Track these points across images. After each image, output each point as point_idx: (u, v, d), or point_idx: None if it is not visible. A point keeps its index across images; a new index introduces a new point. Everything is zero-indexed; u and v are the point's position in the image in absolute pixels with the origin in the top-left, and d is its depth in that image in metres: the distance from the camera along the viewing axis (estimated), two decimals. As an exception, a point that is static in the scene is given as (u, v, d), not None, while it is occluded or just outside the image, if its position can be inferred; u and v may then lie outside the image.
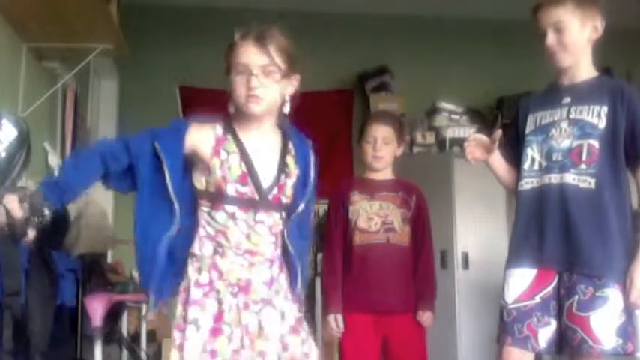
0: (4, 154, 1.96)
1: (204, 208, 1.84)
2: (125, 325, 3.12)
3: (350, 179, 2.97)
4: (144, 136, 1.82)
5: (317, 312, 4.35)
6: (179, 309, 1.80)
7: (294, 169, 1.90)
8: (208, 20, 4.91)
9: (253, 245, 1.83)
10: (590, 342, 1.93)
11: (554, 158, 2.07)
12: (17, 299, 1.87)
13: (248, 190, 1.81)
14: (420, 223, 2.79)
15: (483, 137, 2.23)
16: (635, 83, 2.45)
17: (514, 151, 2.23)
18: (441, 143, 4.70)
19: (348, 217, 2.74)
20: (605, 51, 2.18)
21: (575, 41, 2.07)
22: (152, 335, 3.61)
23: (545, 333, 2.02)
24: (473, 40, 5.22)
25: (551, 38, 2.08)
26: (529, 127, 2.16)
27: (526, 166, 2.13)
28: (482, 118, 4.91)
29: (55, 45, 3.24)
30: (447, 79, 5.00)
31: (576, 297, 1.96)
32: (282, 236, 1.91)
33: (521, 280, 2.06)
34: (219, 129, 1.85)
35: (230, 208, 1.81)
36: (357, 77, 5.09)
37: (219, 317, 1.76)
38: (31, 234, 1.69)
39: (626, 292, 1.95)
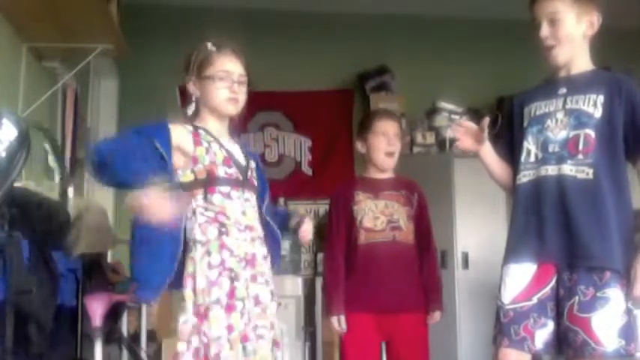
0: (4, 154, 1.96)
1: (198, 197, 1.97)
2: (125, 325, 3.11)
3: (351, 179, 2.97)
4: (144, 133, 1.94)
5: (317, 312, 4.35)
6: (189, 295, 1.90)
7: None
8: (208, 20, 4.91)
9: (249, 221, 2.02)
10: (592, 344, 1.91)
11: (550, 149, 2.06)
12: (26, 297, 1.87)
13: (233, 172, 2.03)
14: (423, 221, 2.79)
15: (472, 124, 2.22)
16: (635, 83, 2.44)
17: (508, 146, 2.22)
18: (441, 143, 4.70)
19: (352, 216, 2.73)
20: (604, 51, 2.18)
21: (570, 34, 2.06)
22: (152, 335, 3.61)
23: (542, 334, 2.00)
24: (473, 40, 5.22)
25: (545, 29, 2.07)
26: (526, 120, 2.16)
27: (522, 158, 2.11)
28: (482, 118, 4.90)
29: (55, 45, 3.24)
30: (447, 79, 5.00)
31: (577, 298, 1.94)
32: (262, 215, 2.12)
33: (519, 279, 2.04)
34: (188, 127, 2.06)
35: (224, 189, 2.00)
36: (357, 77, 5.09)
37: (231, 294, 1.90)
38: None
39: (629, 287, 1.93)
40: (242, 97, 2.09)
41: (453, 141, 4.56)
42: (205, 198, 1.97)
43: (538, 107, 2.13)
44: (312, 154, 5.02)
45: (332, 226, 2.79)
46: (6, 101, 2.89)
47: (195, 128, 2.06)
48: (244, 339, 1.91)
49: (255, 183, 2.13)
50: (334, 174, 4.93)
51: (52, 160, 3.33)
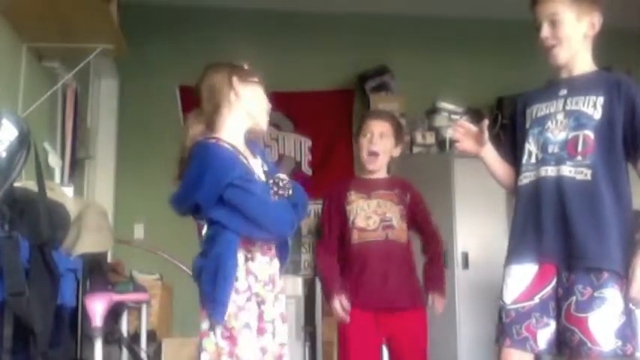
0: (4, 154, 1.96)
1: None
2: (125, 325, 3.11)
3: (346, 179, 2.98)
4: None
5: (317, 312, 4.36)
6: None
7: None
8: (208, 20, 4.91)
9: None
10: (589, 344, 1.91)
11: (550, 150, 2.06)
12: (21, 299, 1.87)
13: None
14: (419, 213, 2.80)
15: (471, 126, 2.22)
16: (635, 84, 2.44)
17: (510, 148, 2.22)
18: (441, 143, 4.70)
19: (345, 216, 2.74)
20: (605, 51, 2.18)
21: (570, 35, 2.07)
22: (152, 335, 3.61)
23: (545, 334, 2.01)
24: (473, 40, 5.22)
25: (545, 30, 2.08)
26: (528, 122, 2.16)
27: (524, 160, 2.12)
28: (482, 118, 4.90)
29: (55, 45, 3.23)
30: (447, 79, 5.00)
31: (574, 298, 1.95)
32: None
33: (521, 279, 2.05)
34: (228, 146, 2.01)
35: None
36: (357, 77, 5.09)
37: (261, 317, 1.93)
38: None
39: (626, 287, 1.94)
40: None
41: (452, 141, 4.56)
42: None
43: (539, 109, 2.13)
44: (312, 154, 5.02)
45: (324, 225, 2.83)
46: (6, 101, 2.89)
47: (231, 147, 2.01)
48: (279, 358, 1.97)
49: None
50: (334, 174, 4.93)
51: (52, 160, 3.34)
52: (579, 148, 2.02)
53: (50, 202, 2.26)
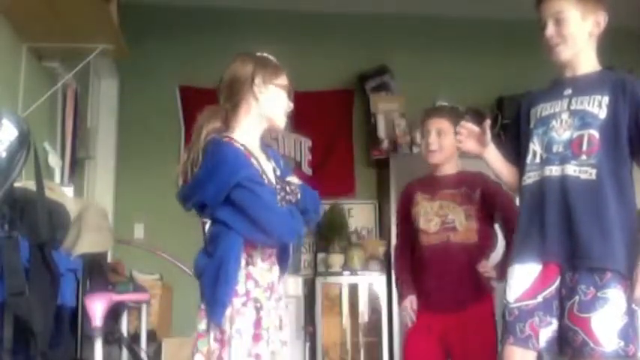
0: (4, 154, 1.96)
1: None
2: (125, 325, 3.11)
3: (416, 179, 2.94)
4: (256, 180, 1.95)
5: (317, 312, 4.36)
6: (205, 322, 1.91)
7: None
8: (208, 20, 4.91)
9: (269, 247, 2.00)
10: (592, 344, 1.91)
11: (554, 150, 2.06)
12: (21, 299, 1.87)
13: None
14: (497, 206, 2.71)
15: (474, 126, 2.22)
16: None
17: (514, 148, 2.22)
18: (441, 143, 4.69)
19: (413, 218, 2.78)
20: (607, 51, 2.18)
21: (575, 33, 2.07)
22: (152, 335, 3.61)
23: (546, 333, 2.01)
24: (473, 40, 5.22)
25: (550, 29, 2.08)
26: (532, 121, 2.16)
27: (528, 159, 2.12)
28: (482, 118, 4.90)
29: (55, 45, 3.23)
30: (447, 79, 5.00)
31: (577, 298, 1.95)
32: None
33: (523, 279, 2.05)
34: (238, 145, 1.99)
35: None
36: (357, 77, 5.09)
37: (258, 324, 1.90)
38: None
39: (630, 288, 1.94)
40: None
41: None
42: None
43: (544, 108, 2.13)
44: (312, 154, 5.01)
45: (397, 228, 2.96)
46: (6, 101, 2.89)
47: (243, 147, 1.99)
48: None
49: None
50: (334, 174, 4.93)
51: (52, 160, 3.34)
52: (584, 148, 2.02)
53: (50, 202, 2.26)
